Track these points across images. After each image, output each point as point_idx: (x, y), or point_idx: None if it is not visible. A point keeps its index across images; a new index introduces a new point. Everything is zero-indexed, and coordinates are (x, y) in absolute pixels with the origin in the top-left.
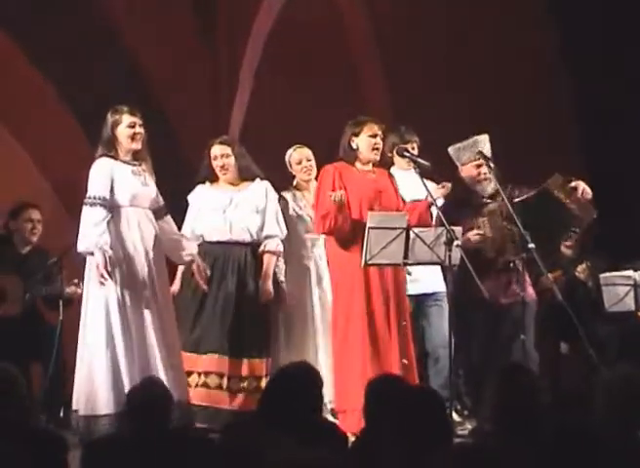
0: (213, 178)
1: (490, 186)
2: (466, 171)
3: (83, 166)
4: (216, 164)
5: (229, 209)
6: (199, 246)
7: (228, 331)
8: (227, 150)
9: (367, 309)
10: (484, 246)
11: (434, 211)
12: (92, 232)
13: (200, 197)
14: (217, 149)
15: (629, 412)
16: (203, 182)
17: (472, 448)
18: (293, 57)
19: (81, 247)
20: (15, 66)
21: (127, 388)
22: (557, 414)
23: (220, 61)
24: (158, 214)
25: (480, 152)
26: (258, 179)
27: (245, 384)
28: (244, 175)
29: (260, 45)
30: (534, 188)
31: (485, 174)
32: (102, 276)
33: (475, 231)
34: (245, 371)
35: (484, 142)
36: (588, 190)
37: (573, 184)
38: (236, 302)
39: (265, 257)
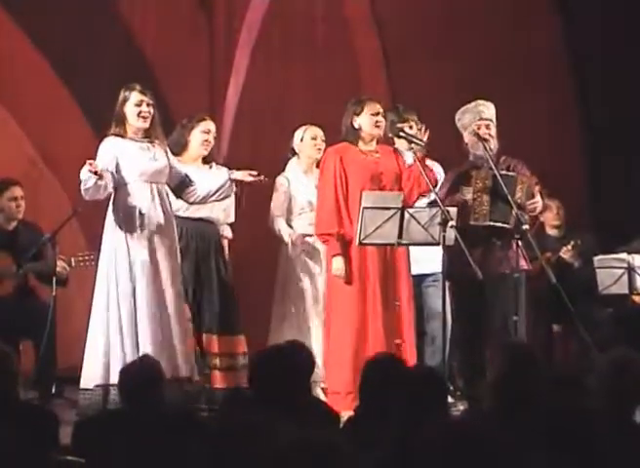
0: (179, 149)
1: (490, 146)
2: (467, 136)
3: (80, 143)
4: (206, 138)
5: None
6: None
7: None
8: (215, 131)
9: (361, 292)
10: (464, 210)
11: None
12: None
13: None
14: (209, 124)
15: (625, 396)
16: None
17: (470, 424)
18: (288, 37)
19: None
20: (13, 44)
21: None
22: (551, 397)
23: (216, 42)
24: (182, 185)
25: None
26: (213, 163)
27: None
28: (208, 158)
29: (256, 25)
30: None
31: (484, 134)
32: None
33: (459, 195)
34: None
35: (486, 106)
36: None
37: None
38: (217, 278)
39: (226, 243)
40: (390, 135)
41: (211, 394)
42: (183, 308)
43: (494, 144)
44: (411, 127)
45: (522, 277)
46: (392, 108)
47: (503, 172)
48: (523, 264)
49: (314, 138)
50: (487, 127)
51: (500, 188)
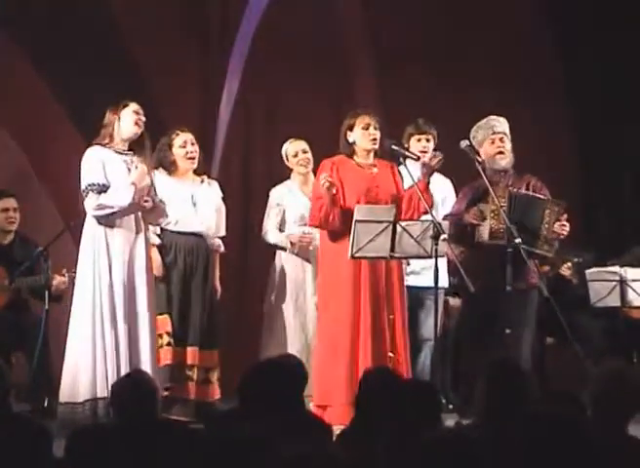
0: (170, 168)
1: (505, 161)
2: (484, 152)
3: (70, 153)
4: (185, 151)
5: (198, 201)
6: (162, 233)
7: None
8: (193, 139)
9: (354, 304)
10: (480, 227)
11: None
12: (105, 212)
13: (162, 185)
14: (187, 136)
15: (618, 408)
16: (156, 168)
17: (459, 436)
18: (283, 44)
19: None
20: (5, 57)
21: (110, 375)
22: (544, 409)
23: (210, 53)
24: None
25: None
26: (205, 177)
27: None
28: (200, 169)
29: (249, 35)
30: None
31: (499, 148)
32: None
33: (476, 210)
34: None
35: (498, 121)
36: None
37: (563, 221)
38: (202, 293)
39: (217, 256)
40: (406, 145)
41: (184, 405)
42: (155, 319)
43: (509, 159)
44: (428, 140)
45: (533, 292)
46: (412, 120)
47: (529, 192)
48: (533, 279)
49: (295, 156)
50: (501, 140)
51: (515, 207)
